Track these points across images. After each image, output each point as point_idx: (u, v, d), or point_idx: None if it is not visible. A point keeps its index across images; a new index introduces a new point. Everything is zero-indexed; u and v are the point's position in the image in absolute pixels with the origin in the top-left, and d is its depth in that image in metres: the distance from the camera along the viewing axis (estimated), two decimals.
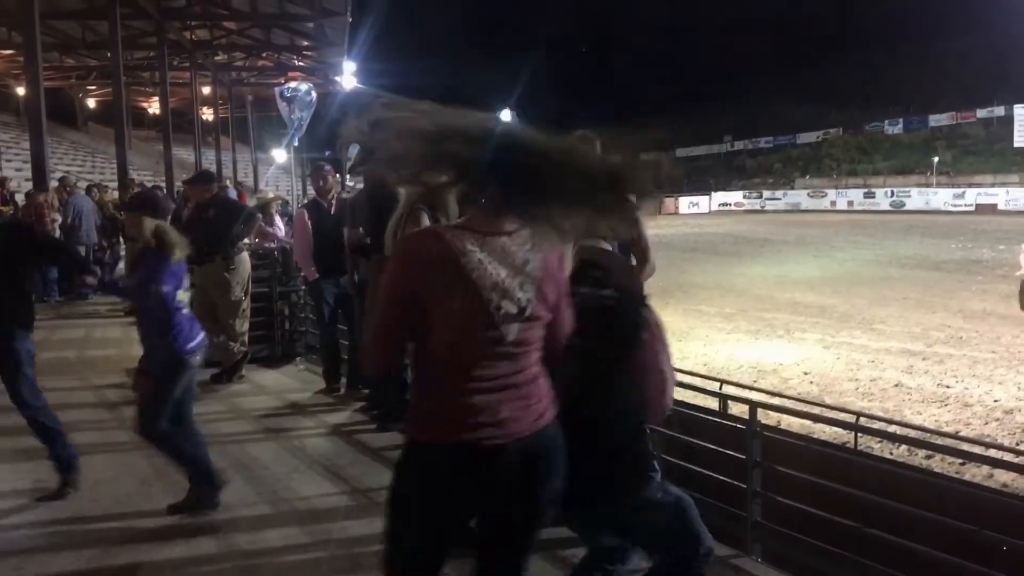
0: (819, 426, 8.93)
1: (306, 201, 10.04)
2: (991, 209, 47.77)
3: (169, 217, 5.46)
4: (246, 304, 8.57)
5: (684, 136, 77.68)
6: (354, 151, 9.51)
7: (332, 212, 7.83)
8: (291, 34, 30.10)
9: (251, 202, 20.89)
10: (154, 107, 43.54)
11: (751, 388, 7.82)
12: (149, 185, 17.96)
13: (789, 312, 19.08)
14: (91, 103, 45.41)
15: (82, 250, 13.35)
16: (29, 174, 16.14)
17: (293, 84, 25.07)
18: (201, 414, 7.15)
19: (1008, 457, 4.44)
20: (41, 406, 5.20)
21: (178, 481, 5.45)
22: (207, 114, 40.25)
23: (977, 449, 5.24)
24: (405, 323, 2.34)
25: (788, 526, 4.33)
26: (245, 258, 8.59)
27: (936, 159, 57.19)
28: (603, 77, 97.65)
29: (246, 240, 11.31)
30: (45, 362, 5.61)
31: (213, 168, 33.84)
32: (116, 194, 16.03)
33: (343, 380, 7.91)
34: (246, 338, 8.60)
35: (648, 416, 3.00)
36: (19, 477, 5.41)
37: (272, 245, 10.59)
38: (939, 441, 5.51)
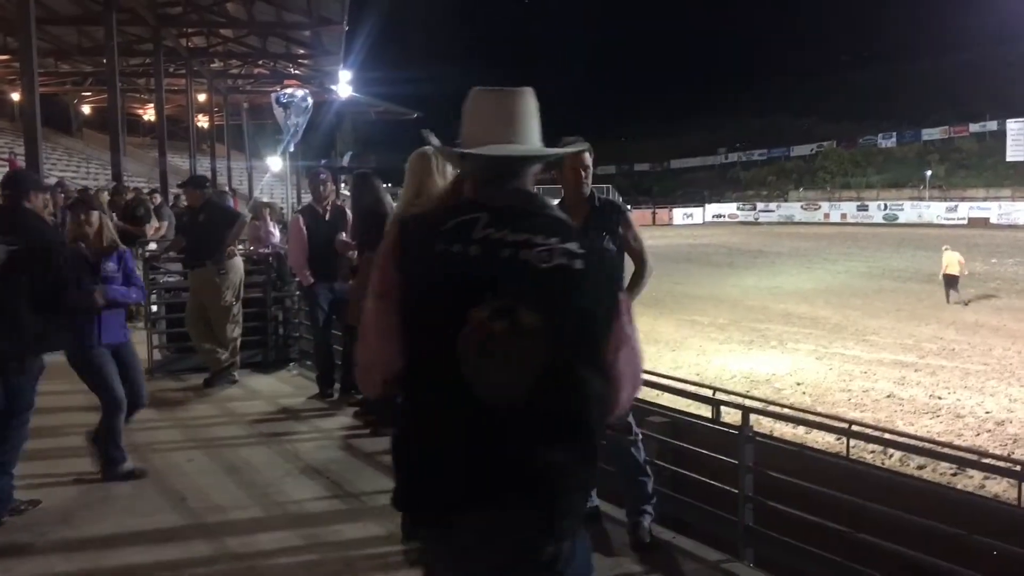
0: (811, 436, 8.97)
1: (302, 207, 10.05)
2: (983, 223, 48.01)
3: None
4: (237, 309, 8.54)
5: (679, 148, 77.95)
6: (348, 158, 9.52)
7: (327, 218, 7.85)
8: (287, 42, 30.11)
9: (243, 209, 20.91)
10: (149, 114, 43.42)
11: (744, 396, 7.84)
12: (145, 192, 17.94)
13: (782, 323, 19.15)
14: (86, 109, 45.30)
15: None
16: None
17: (289, 90, 25.04)
18: (194, 418, 7.18)
19: (1002, 466, 4.46)
20: None
21: (169, 484, 5.45)
22: (202, 121, 40.22)
23: (971, 456, 5.27)
24: None
25: (780, 531, 4.34)
26: (237, 263, 8.57)
27: (929, 173, 57.47)
28: (599, 89, 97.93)
29: (240, 246, 11.34)
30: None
31: (208, 175, 33.81)
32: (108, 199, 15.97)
33: (336, 385, 7.91)
34: (237, 344, 8.58)
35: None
36: None
37: (266, 250, 10.58)
38: (930, 448, 5.52)
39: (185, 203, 10.62)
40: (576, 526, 2.06)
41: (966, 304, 20.71)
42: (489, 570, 2.04)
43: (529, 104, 2.21)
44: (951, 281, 21.43)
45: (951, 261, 21.54)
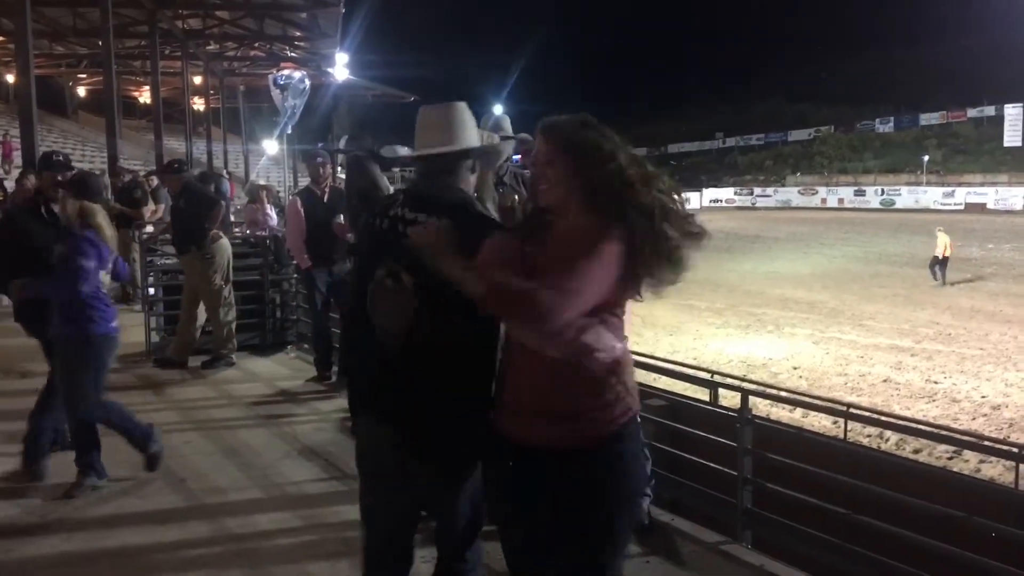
0: (808, 419, 9.00)
1: (299, 189, 10.02)
2: (980, 208, 48.03)
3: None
4: (228, 291, 8.48)
5: (676, 132, 77.76)
6: (344, 142, 9.46)
7: (325, 200, 7.82)
8: (284, 24, 29.93)
9: (239, 192, 20.85)
10: (145, 96, 43.22)
11: (741, 380, 7.85)
12: (142, 174, 17.86)
13: (779, 308, 19.19)
14: (81, 91, 45.13)
15: None
16: (19, 160, 16.09)
17: (287, 72, 24.94)
18: (192, 400, 7.19)
19: (1000, 447, 4.47)
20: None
21: (168, 466, 5.45)
22: (198, 104, 40.09)
23: (967, 439, 5.28)
24: None
25: (778, 513, 4.35)
26: (223, 245, 8.45)
27: (926, 158, 57.39)
28: (596, 73, 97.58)
29: (236, 229, 11.29)
30: (34, 348, 5.60)
31: (204, 159, 33.72)
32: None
33: (334, 368, 7.90)
34: (232, 327, 8.55)
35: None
36: (8, 461, 5.38)
37: (264, 233, 10.56)
38: (927, 430, 5.54)
39: None
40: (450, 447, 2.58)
41: (945, 285, 21.93)
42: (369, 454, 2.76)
43: (455, 114, 2.72)
44: (942, 262, 22.39)
45: (945, 243, 22.51)
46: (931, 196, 52.64)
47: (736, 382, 5.43)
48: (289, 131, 25.47)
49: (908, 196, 54.10)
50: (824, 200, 58.21)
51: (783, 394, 6.49)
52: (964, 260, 24.89)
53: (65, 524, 4.60)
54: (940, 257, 22.47)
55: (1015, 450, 3.91)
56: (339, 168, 21.71)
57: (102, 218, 5.18)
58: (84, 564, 4.18)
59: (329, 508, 4.78)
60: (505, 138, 4.85)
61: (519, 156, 5.59)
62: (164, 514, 4.75)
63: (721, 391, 5.44)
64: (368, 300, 2.56)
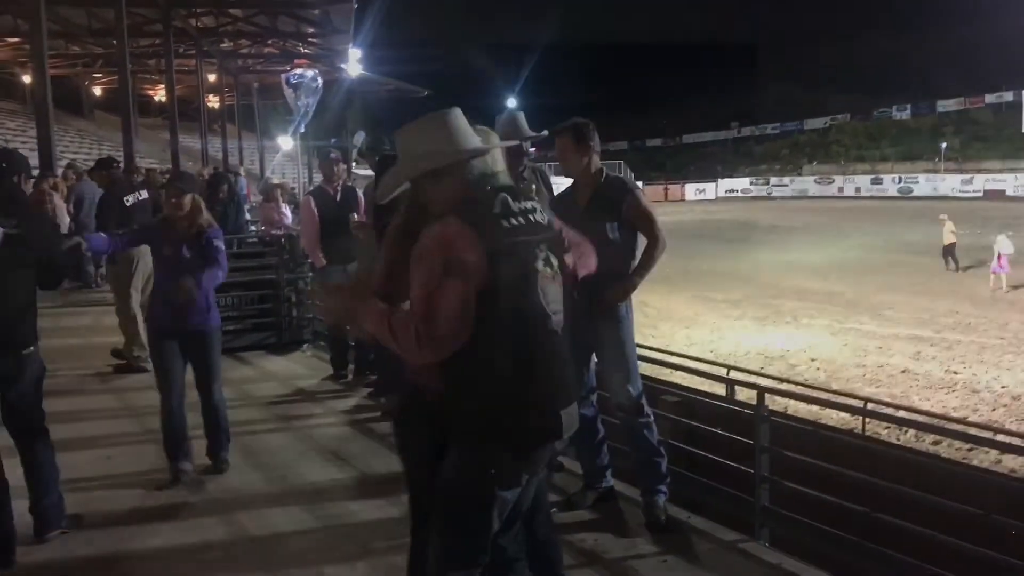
0: (826, 412, 8.94)
1: (312, 188, 10.02)
2: (999, 195, 47.51)
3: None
4: (133, 300, 8.22)
5: (691, 122, 77.40)
6: (360, 138, 9.42)
7: (338, 199, 7.81)
8: (297, 21, 29.99)
9: (255, 190, 20.91)
10: (160, 95, 43.45)
11: (758, 374, 7.81)
12: (158, 172, 17.93)
13: (796, 299, 19.06)
14: (97, 91, 45.34)
15: None
16: (36, 161, 16.22)
17: (299, 71, 24.99)
18: None
19: (1017, 442, 4.42)
20: None
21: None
22: (213, 102, 40.23)
23: (986, 434, 5.23)
24: None
25: (796, 511, 4.32)
26: (134, 253, 8.02)
27: (944, 145, 56.80)
28: (611, 65, 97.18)
29: (251, 227, 11.26)
30: (52, 349, 5.62)
31: (219, 156, 33.86)
32: None
33: (350, 367, 7.93)
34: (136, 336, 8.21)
35: None
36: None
37: (279, 232, 10.58)
38: (947, 427, 5.49)
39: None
40: None
41: (961, 271, 22.45)
42: None
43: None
44: (949, 249, 22.86)
45: (949, 231, 23.02)
46: (949, 184, 52.11)
47: (752, 378, 5.40)
48: (303, 130, 25.53)
49: (926, 184, 53.59)
50: (841, 189, 57.75)
51: (800, 390, 6.44)
52: (984, 248, 24.63)
53: (84, 524, 4.61)
54: (947, 245, 22.80)
55: None
56: (353, 164, 21.65)
57: None
58: (101, 567, 4.21)
59: (346, 508, 4.78)
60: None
61: (534, 148, 5.55)
62: (181, 514, 4.77)
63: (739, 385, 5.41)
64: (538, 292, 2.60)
